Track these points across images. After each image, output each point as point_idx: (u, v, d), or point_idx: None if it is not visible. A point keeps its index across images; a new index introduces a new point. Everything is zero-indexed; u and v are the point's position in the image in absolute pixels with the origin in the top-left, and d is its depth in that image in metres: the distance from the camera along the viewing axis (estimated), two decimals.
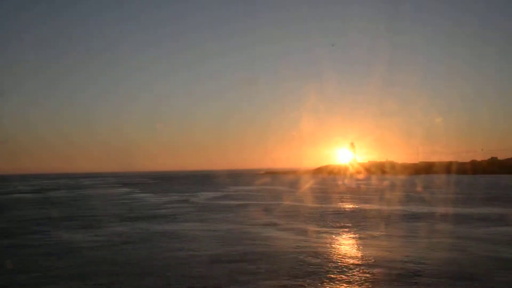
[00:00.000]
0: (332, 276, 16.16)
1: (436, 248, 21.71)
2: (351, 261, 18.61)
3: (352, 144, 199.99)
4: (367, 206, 43.30)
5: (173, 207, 45.40)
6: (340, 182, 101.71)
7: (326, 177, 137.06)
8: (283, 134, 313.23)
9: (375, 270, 16.78)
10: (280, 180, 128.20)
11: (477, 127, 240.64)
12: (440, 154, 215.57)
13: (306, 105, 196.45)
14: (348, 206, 44.39)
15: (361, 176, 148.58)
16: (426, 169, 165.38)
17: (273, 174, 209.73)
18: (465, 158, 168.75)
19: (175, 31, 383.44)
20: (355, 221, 31.95)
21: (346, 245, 23.05)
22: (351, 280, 15.56)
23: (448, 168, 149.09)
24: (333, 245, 22.74)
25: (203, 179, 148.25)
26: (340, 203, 47.34)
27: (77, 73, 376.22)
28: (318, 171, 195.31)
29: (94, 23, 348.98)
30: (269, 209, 41.98)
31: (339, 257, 19.40)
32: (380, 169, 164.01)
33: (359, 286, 14.85)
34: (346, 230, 28.07)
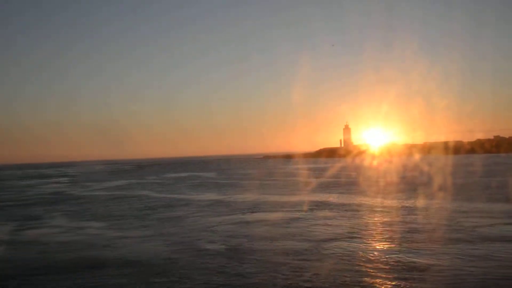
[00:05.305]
0: None
1: None
2: None
3: (347, 127, 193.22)
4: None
5: (30, 197, 43.34)
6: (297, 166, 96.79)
7: (319, 161, 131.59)
8: (285, 119, 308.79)
9: None
10: (245, 163, 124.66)
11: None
12: (440, 134, 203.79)
13: (300, 79, 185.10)
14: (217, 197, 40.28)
15: (355, 159, 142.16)
16: (431, 149, 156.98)
17: (267, 158, 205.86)
18: (468, 138, 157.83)
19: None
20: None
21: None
22: None
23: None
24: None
25: (173, 166, 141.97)
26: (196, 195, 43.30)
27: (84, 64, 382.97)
28: (318, 154, 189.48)
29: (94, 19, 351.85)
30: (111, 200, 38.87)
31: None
32: (381, 150, 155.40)
33: None
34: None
